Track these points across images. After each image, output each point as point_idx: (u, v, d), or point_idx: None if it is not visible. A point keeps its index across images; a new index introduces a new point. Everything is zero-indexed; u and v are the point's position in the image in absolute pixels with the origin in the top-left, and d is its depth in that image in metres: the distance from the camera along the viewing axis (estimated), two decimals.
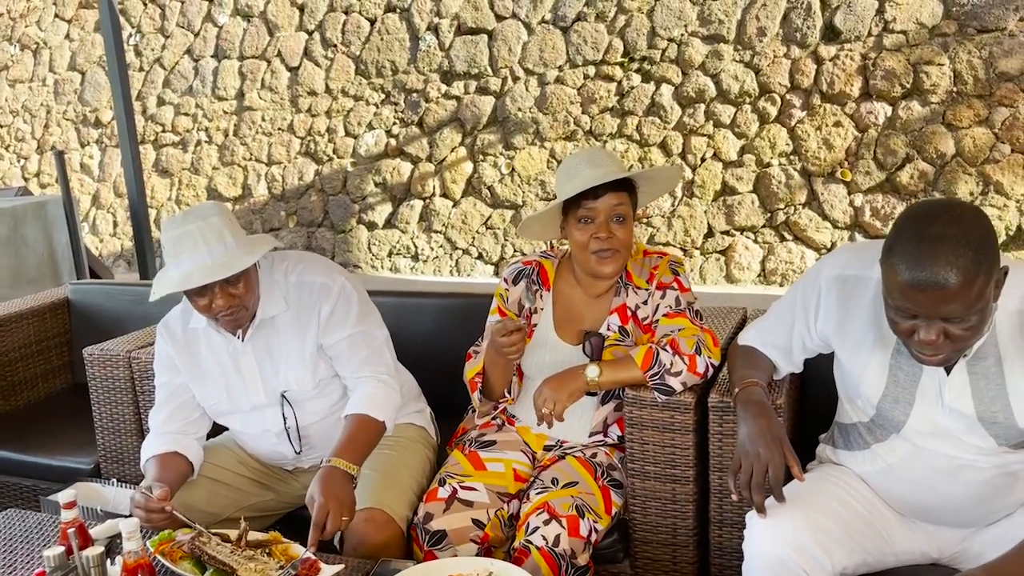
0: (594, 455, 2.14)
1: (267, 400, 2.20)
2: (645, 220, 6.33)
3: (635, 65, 6.33)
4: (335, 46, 7.35)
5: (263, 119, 7.68)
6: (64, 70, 8.61)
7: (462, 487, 2.07)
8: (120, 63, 4.69)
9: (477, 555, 1.97)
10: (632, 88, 6.33)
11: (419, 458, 2.28)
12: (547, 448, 2.22)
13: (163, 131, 8.14)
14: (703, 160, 6.18)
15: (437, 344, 2.64)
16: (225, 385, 2.19)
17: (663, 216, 6.32)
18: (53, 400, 3.29)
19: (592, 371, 2.05)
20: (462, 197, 6.97)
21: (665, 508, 2.07)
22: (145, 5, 8.16)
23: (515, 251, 6.78)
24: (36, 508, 2.48)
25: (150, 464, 2.11)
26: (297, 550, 1.81)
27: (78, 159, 8.56)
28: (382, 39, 7.16)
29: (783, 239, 6.01)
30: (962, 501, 1.69)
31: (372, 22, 7.21)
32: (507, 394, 2.27)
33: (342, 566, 1.76)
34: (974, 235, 1.43)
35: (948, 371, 1.60)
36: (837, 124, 5.78)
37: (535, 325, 2.23)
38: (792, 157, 5.93)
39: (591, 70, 6.45)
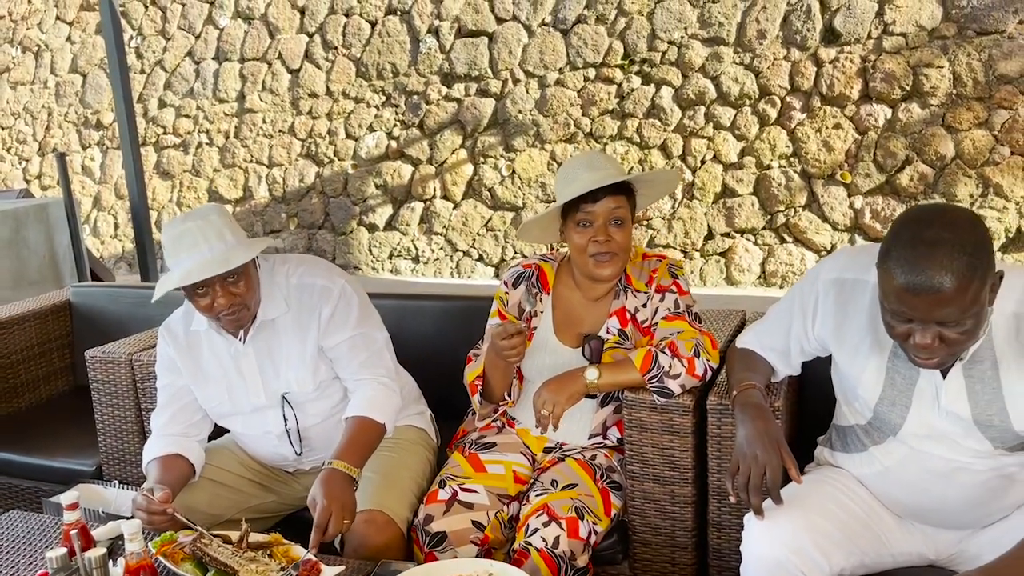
0: (593, 457, 2.15)
1: (268, 402, 2.21)
2: (645, 222, 6.34)
3: (635, 67, 6.34)
4: (336, 48, 7.36)
5: (264, 121, 7.69)
6: (65, 72, 8.62)
7: (462, 489, 2.08)
8: (121, 65, 4.69)
9: (477, 556, 1.98)
10: (632, 90, 6.34)
11: (419, 460, 2.29)
12: (547, 450, 2.23)
13: (164, 133, 8.15)
14: (703, 162, 6.19)
15: (437, 346, 2.65)
16: (226, 387, 2.20)
17: (663, 218, 6.33)
18: (55, 402, 3.29)
19: (591, 374, 2.06)
20: (463, 199, 6.98)
21: (664, 510, 2.08)
22: (146, 7, 8.18)
23: (515, 253, 6.79)
24: (38, 510, 2.49)
25: (152, 466, 2.12)
26: (298, 551, 1.82)
27: (79, 161, 8.57)
28: (383, 41, 7.17)
29: (783, 241, 6.02)
30: (958, 503, 1.70)
31: (373, 24, 7.23)
32: (507, 397, 2.28)
33: (343, 567, 1.77)
34: (969, 239, 1.44)
35: (944, 374, 1.61)
36: (837, 126, 5.79)
37: (535, 328, 2.24)
38: (792, 159, 5.94)
39: (591, 72, 6.46)
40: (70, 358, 3.37)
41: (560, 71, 6.55)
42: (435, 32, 6.95)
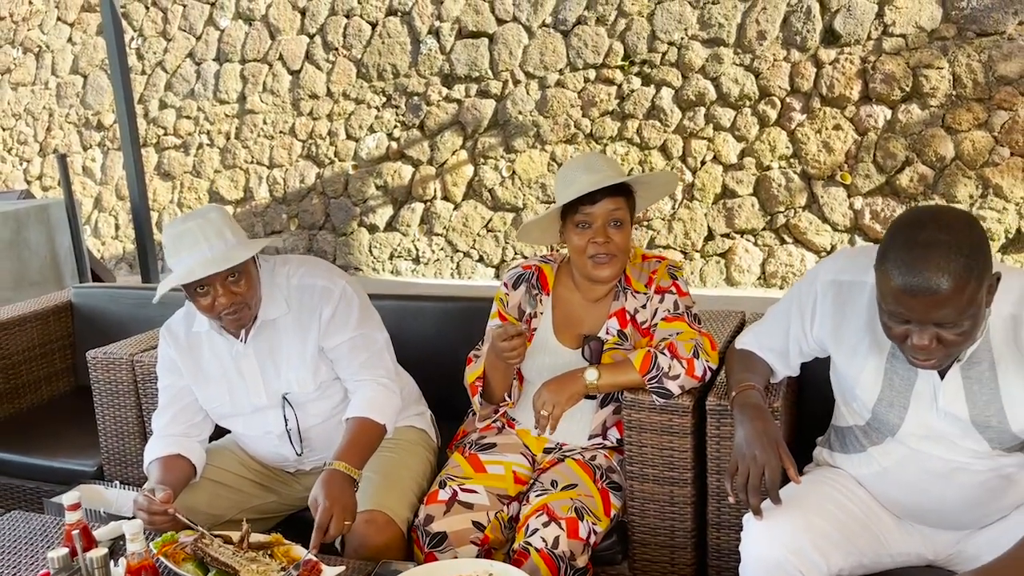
0: (593, 458, 2.15)
1: (268, 402, 2.21)
2: (646, 223, 6.35)
3: (635, 68, 6.34)
4: (336, 49, 7.36)
5: (265, 122, 7.70)
6: (66, 73, 8.63)
7: (462, 489, 2.09)
8: (122, 66, 4.70)
9: (477, 557, 1.98)
10: (632, 91, 6.35)
11: (419, 460, 2.29)
12: (547, 451, 2.23)
13: (165, 134, 8.16)
14: (703, 163, 6.19)
15: (437, 347, 2.66)
16: (227, 387, 2.21)
17: (663, 219, 6.34)
18: (56, 403, 3.30)
19: (591, 375, 2.07)
20: (463, 200, 6.98)
21: (663, 510, 2.08)
22: (147, 8, 8.18)
23: (516, 254, 6.80)
24: (40, 510, 2.49)
25: (153, 466, 2.12)
26: (299, 552, 1.82)
27: (80, 162, 8.58)
28: (383, 42, 7.18)
29: (783, 242, 6.03)
30: (957, 504, 1.70)
31: (373, 25, 7.23)
32: (507, 398, 2.28)
33: (343, 568, 1.77)
34: (966, 241, 1.45)
35: (942, 375, 1.62)
36: (837, 127, 5.79)
37: (535, 329, 2.25)
38: (792, 160, 5.95)
39: (591, 73, 6.47)
40: (71, 359, 3.38)
41: (560, 72, 6.56)
42: (435, 33, 6.96)
